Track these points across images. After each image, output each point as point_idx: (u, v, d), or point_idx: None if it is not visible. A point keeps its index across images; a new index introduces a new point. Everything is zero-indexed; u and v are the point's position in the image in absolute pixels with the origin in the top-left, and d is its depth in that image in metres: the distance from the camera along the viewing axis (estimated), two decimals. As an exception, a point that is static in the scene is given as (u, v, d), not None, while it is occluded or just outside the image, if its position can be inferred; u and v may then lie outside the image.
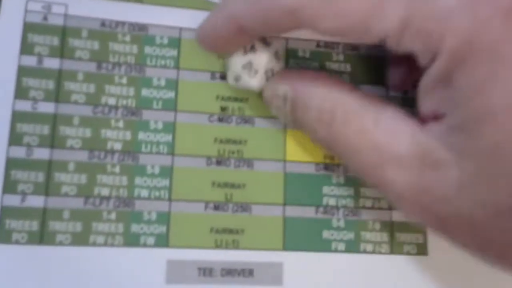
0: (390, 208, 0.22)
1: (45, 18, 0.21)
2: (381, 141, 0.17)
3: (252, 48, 0.20)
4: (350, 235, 0.21)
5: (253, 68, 0.20)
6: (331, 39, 0.23)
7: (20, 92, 0.20)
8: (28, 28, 0.21)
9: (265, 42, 0.20)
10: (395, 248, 0.22)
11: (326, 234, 0.21)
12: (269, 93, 0.20)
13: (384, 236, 0.22)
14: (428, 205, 0.17)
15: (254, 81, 0.20)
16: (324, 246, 0.21)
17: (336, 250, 0.21)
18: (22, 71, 0.20)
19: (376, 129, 0.18)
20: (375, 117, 0.18)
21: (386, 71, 0.23)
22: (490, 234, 0.16)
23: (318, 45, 0.23)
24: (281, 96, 0.20)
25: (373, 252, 0.21)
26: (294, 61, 0.23)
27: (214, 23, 0.20)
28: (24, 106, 0.20)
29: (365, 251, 0.21)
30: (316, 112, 0.19)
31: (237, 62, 0.20)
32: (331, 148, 0.19)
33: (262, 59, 0.20)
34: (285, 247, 0.21)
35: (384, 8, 0.16)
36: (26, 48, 0.20)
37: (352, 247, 0.21)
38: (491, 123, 0.15)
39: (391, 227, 0.22)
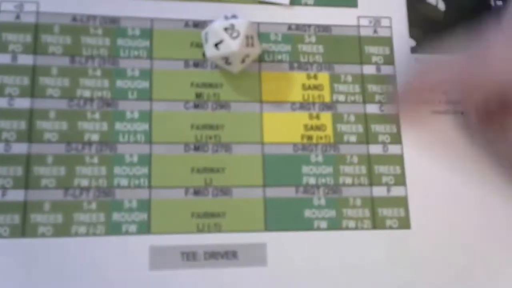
0: (370, 184, 0.22)
1: (17, 17, 0.21)
2: None
3: (234, 16, 0.21)
4: (332, 213, 0.21)
5: (235, 29, 0.20)
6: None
7: (-5, 90, 0.20)
8: (1, 27, 0.21)
9: (233, 32, 0.21)
10: (377, 223, 0.22)
11: (307, 213, 0.21)
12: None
13: (366, 212, 0.22)
14: None
15: (235, 43, 0.20)
16: (306, 225, 0.21)
17: (318, 228, 0.21)
18: (-3, 69, 0.20)
19: None
20: None
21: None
22: None
23: (289, 28, 0.23)
24: None
25: (356, 228, 0.21)
26: (266, 45, 0.23)
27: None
28: (0, 102, 0.20)
29: (347, 228, 0.21)
30: None
31: (219, 25, 0.21)
32: None
33: (243, 23, 0.21)
34: (267, 228, 0.21)
35: None
36: (0, 46, 0.21)
37: (334, 225, 0.21)
38: None
39: (372, 203, 0.22)
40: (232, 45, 0.20)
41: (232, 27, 0.20)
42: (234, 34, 0.20)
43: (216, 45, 0.21)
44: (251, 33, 0.21)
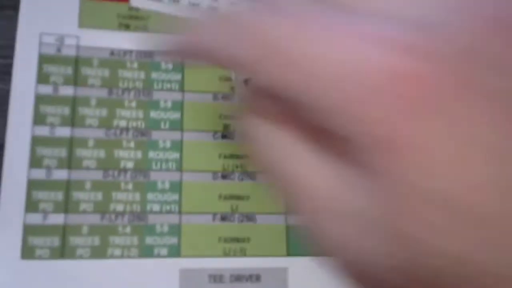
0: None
1: (58, 50, 0.23)
2: None
3: None
4: (349, 239, 0.23)
5: None
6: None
7: (39, 119, 0.22)
8: (43, 59, 0.22)
9: None
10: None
11: (326, 239, 0.23)
12: None
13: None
14: None
15: None
16: (325, 251, 0.23)
17: (336, 254, 0.23)
18: (40, 99, 0.22)
19: None
20: None
21: None
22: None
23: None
24: None
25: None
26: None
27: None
28: (43, 131, 0.22)
29: (363, 254, 0.23)
30: None
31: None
32: None
33: None
34: (289, 253, 0.22)
35: None
36: (42, 77, 0.22)
37: (352, 251, 0.23)
38: None
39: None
40: None
41: None
42: None
43: (245, 81, 0.22)
44: None
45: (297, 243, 0.22)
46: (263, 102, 0.15)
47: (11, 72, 0.23)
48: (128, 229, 0.21)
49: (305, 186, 0.14)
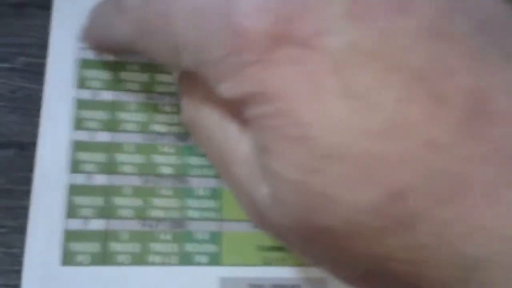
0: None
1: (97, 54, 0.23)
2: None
3: None
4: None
5: None
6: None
7: (78, 123, 0.22)
8: (82, 64, 0.22)
9: None
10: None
11: (368, 248, 0.22)
12: None
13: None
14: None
15: None
16: (368, 260, 0.22)
17: (379, 263, 0.22)
18: (79, 104, 0.22)
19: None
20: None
21: None
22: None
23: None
24: None
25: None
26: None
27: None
28: (82, 136, 0.21)
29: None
30: None
31: None
32: None
33: None
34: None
35: None
36: (81, 82, 0.22)
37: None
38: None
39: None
40: None
41: None
42: None
43: None
44: None
45: (339, 252, 0.22)
46: (189, 85, 0.17)
47: (43, 72, 0.23)
48: (168, 236, 0.21)
49: (230, 152, 0.16)
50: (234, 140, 0.16)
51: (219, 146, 0.16)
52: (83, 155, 0.21)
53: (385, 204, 0.12)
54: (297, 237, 0.14)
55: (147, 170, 0.22)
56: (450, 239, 0.12)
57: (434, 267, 0.12)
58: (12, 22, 0.25)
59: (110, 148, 0.22)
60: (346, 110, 0.12)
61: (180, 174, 0.22)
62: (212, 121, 0.16)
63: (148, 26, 0.16)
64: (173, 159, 0.22)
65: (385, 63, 0.12)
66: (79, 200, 0.21)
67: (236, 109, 0.15)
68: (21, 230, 0.21)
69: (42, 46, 0.24)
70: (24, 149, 0.23)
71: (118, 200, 0.21)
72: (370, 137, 0.12)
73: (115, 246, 0.21)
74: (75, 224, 0.20)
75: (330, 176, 0.13)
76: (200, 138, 0.17)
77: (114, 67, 0.22)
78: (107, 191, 0.21)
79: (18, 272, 0.21)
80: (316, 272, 0.21)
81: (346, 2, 0.13)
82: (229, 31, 0.13)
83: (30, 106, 0.23)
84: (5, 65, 0.24)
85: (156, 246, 0.21)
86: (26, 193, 0.22)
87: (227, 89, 0.14)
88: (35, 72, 0.24)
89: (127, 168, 0.21)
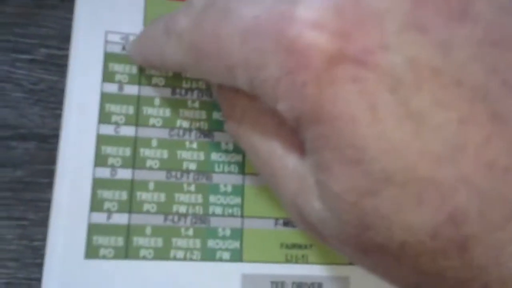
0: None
1: (123, 48, 0.23)
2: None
3: None
4: (412, 249, 0.22)
5: None
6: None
7: (104, 117, 0.21)
8: (109, 57, 0.22)
9: None
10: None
11: (389, 248, 0.22)
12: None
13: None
14: None
15: None
16: (388, 260, 0.22)
17: (399, 264, 0.22)
18: (105, 98, 0.22)
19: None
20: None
21: None
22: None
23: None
24: None
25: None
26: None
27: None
28: (108, 130, 0.21)
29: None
30: None
31: None
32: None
33: None
34: (351, 261, 0.22)
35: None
36: (107, 76, 0.22)
37: (414, 261, 0.22)
38: None
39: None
40: None
41: None
42: None
43: None
44: None
45: (360, 251, 0.22)
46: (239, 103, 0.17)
47: (65, 64, 0.23)
48: (190, 231, 0.21)
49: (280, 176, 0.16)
50: (280, 154, 0.15)
51: (265, 159, 0.16)
52: (108, 149, 0.21)
53: (441, 227, 0.12)
54: (350, 249, 0.14)
55: (171, 165, 0.22)
56: (504, 260, 0.12)
57: (485, 285, 0.12)
58: (32, 12, 0.25)
59: (135, 142, 0.22)
60: (404, 131, 0.12)
61: (204, 170, 0.22)
62: (255, 135, 0.16)
63: (201, 50, 0.15)
64: (197, 155, 0.22)
65: (445, 80, 0.12)
66: (103, 193, 0.21)
67: (281, 129, 0.15)
68: (43, 223, 0.21)
69: (63, 38, 0.24)
70: (46, 141, 0.23)
71: (142, 195, 0.21)
72: (428, 160, 0.12)
73: (138, 240, 0.20)
74: (99, 218, 0.20)
75: (386, 198, 0.12)
76: (245, 147, 0.17)
77: (140, 61, 0.22)
78: (131, 185, 0.21)
79: (39, 266, 0.20)
80: (338, 270, 0.22)
81: (402, 15, 0.12)
82: (284, 50, 0.13)
83: (52, 98, 0.23)
84: (26, 56, 0.24)
85: (178, 241, 0.21)
86: (47, 186, 0.22)
87: (285, 108, 0.14)
88: (57, 64, 0.24)
89: (151, 163, 0.21)
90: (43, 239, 0.21)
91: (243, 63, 0.14)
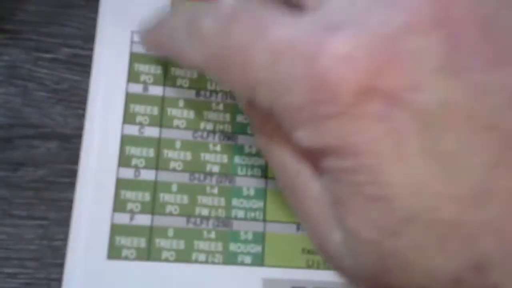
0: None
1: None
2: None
3: None
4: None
5: None
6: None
7: (128, 117, 0.21)
8: (135, 58, 0.22)
9: None
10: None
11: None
12: None
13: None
14: None
15: None
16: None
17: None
18: (130, 98, 0.22)
19: None
20: None
21: None
22: None
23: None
24: None
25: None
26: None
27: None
28: (132, 130, 0.21)
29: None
30: None
31: None
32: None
33: None
34: None
35: None
36: (133, 76, 0.22)
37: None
38: None
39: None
40: None
41: None
42: None
43: None
44: None
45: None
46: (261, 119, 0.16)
47: (88, 64, 0.22)
48: (212, 234, 0.21)
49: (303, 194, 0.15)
50: (306, 178, 0.15)
51: (291, 178, 0.15)
52: (132, 150, 0.21)
53: (464, 274, 0.12)
54: (367, 286, 0.14)
55: (195, 168, 0.21)
56: None
57: None
58: (56, 11, 0.24)
59: (158, 143, 0.21)
60: (431, 172, 0.12)
61: (227, 173, 0.22)
62: (285, 153, 0.16)
63: (224, 59, 0.15)
64: (220, 158, 0.22)
65: (477, 124, 0.12)
66: (127, 194, 0.21)
67: (309, 152, 0.14)
68: (64, 223, 0.21)
69: (87, 38, 0.24)
70: (68, 141, 0.23)
71: (165, 196, 0.21)
72: (455, 203, 0.12)
73: (160, 242, 0.20)
74: (122, 218, 0.20)
75: (408, 240, 0.12)
76: (272, 163, 0.17)
77: (165, 62, 0.22)
78: (154, 187, 0.21)
79: (60, 266, 0.20)
80: (361, 278, 0.21)
81: (437, 56, 0.12)
82: (312, 79, 0.12)
83: (74, 98, 0.23)
84: (48, 55, 0.24)
85: (200, 244, 0.21)
86: (69, 186, 0.21)
87: (305, 137, 0.13)
88: (80, 64, 0.24)
89: (174, 165, 0.21)
90: (64, 239, 0.21)
91: (268, 82, 0.13)
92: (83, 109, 0.22)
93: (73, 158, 0.22)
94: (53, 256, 0.21)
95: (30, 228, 0.21)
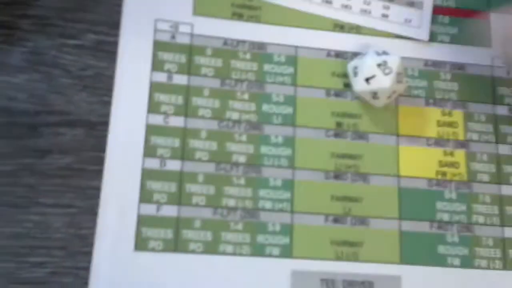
0: (502, 225, 0.22)
1: (173, 37, 0.22)
2: None
3: (385, 52, 0.21)
4: (465, 251, 0.22)
5: (388, 66, 0.21)
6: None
7: (153, 107, 0.21)
8: (158, 46, 0.22)
9: (385, 68, 0.21)
10: (508, 264, 0.22)
11: (441, 249, 0.22)
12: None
13: (497, 252, 0.22)
14: None
15: (387, 79, 0.21)
16: (440, 261, 0.21)
17: (452, 265, 0.21)
18: (154, 87, 0.21)
19: None
20: None
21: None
22: None
23: (426, 64, 0.24)
24: None
25: (487, 268, 0.22)
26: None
27: None
28: (157, 120, 0.21)
29: (479, 267, 0.22)
30: None
31: (373, 61, 0.21)
32: None
33: (396, 60, 0.21)
34: (402, 261, 0.21)
35: None
36: (157, 65, 0.21)
37: (467, 263, 0.22)
38: None
39: (503, 244, 0.22)
40: (384, 82, 0.21)
41: (385, 63, 0.21)
42: (387, 71, 0.21)
43: (367, 79, 0.21)
44: (401, 70, 0.21)
45: (411, 251, 0.21)
46: None
47: (114, 50, 0.22)
48: (240, 226, 0.21)
49: None
50: None
51: None
52: (157, 139, 0.21)
53: None
54: None
55: (221, 158, 0.21)
56: None
57: None
58: (80, -3, 0.24)
59: (184, 133, 0.21)
60: None
61: (254, 163, 0.21)
62: None
63: None
64: (246, 148, 0.21)
65: None
66: (152, 185, 0.20)
67: None
68: (92, 211, 0.21)
69: (112, 24, 0.23)
70: (94, 128, 0.22)
71: (191, 187, 0.21)
72: None
73: (187, 234, 0.20)
74: (148, 209, 0.20)
75: None
76: None
77: (190, 51, 0.22)
78: (180, 177, 0.21)
79: (87, 254, 0.20)
80: (390, 269, 0.21)
81: None
82: None
83: (100, 85, 0.23)
84: (73, 41, 0.23)
85: (227, 236, 0.20)
86: (97, 173, 0.21)
87: None
88: (105, 50, 0.23)
89: (200, 155, 0.21)
90: (92, 227, 0.21)
91: None
92: (108, 96, 0.22)
93: (100, 145, 0.22)
94: (81, 245, 0.21)
95: (57, 216, 0.21)
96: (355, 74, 0.22)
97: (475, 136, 0.23)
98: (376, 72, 0.21)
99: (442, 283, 0.21)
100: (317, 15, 0.23)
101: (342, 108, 0.23)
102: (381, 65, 0.21)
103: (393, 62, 0.21)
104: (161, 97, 0.21)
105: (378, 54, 0.22)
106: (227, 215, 0.21)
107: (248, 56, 0.22)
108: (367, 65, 0.21)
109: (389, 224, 0.22)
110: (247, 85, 0.22)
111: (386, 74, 0.21)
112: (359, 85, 0.22)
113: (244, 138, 0.22)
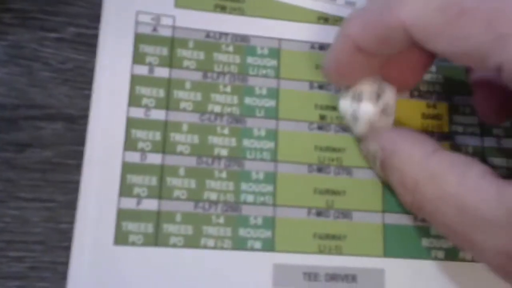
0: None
1: (154, 29, 0.22)
2: (467, 204, 0.16)
3: (360, 97, 0.21)
4: (449, 244, 0.22)
5: (358, 117, 0.21)
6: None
7: (134, 100, 0.21)
8: (140, 39, 0.21)
9: (375, 94, 0.21)
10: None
11: (425, 242, 0.21)
12: (363, 149, 0.21)
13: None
14: None
15: (356, 129, 0.21)
16: (424, 254, 0.21)
17: (436, 258, 0.21)
18: (135, 80, 0.21)
19: (460, 191, 0.16)
20: (459, 179, 0.17)
21: (476, 98, 0.23)
22: None
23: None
24: (371, 155, 0.20)
25: (472, 260, 0.22)
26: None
27: (334, 48, 0.20)
28: (138, 113, 0.21)
29: (464, 260, 0.22)
30: (399, 177, 0.19)
31: (346, 108, 0.21)
32: (417, 212, 0.19)
33: (366, 110, 0.20)
34: (386, 254, 0.21)
35: (505, 40, 0.15)
36: (138, 57, 0.21)
37: (451, 255, 0.21)
38: None
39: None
40: (354, 129, 0.21)
41: (355, 114, 0.21)
42: (355, 122, 0.21)
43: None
44: (376, 119, 0.21)
45: (395, 244, 0.21)
46: None
47: (94, 44, 0.22)
48: (221, 219, 0.20)
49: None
50: (486, 200, 0.15)
51: (457, 203, 0.16)
52: (138, 133, 0.21)
53: None
54: None
55: (202, 151, 0.21)
56: None
57: None
58: (60, -10, 0.24)
59: (165, 126, 0.21)
60: None
61: (236, 156, 0.21)
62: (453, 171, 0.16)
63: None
64: (229, 141, 0.21)
65: None
66: (133, 178, 0.20)
67: None
68: (71, 205, 0.21)
69: (93, 17, 0.23)
70: (74, 122, 0.22)
71: (172, 181, 0.20)
72: None
73: (167, 228, 0.20)
74: (128, 203, 0.20)
75: None
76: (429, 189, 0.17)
77: (172, 43, 0.22)
78: (161, 171, 0.20)
79: (66, 249, 0.20)
80: (373, 263, 0.21)
81: None
82: None
83: (80, 78, 0.23)
84: (53, 35, 0.23)
85: (209, 229, 0.20)
86: (76, 168, 0.21)
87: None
88: (86, 43, 0.23)
89: (182, 148, 0.21)
90: (71, 222, 0.20)
91: None
92: (89, 89, 0.22)
93: (79, 139, 0.21)
94: (60, 239, 0.21)
95: (36, 210, 0.21)
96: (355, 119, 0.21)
97: (460, 129, 0.23)
98: (348, 120, 0.21)
99: (426, 276, 0.21)
100: (301, 7, 0.23)
101: (325, 100, 0.22)
102: (352, 115, 0.21)
103: (363, 114, 0.21)
104: (142, 90, 0.21)
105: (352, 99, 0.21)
106: (209, 209, 0.20)
107: (230, 48, 0.22)
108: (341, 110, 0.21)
109: (372, 217, 0.21)
110: (230, 78, 0.22)
111: (354, 124, 0.21)
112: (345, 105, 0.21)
113: (226, 131, 0.21)
